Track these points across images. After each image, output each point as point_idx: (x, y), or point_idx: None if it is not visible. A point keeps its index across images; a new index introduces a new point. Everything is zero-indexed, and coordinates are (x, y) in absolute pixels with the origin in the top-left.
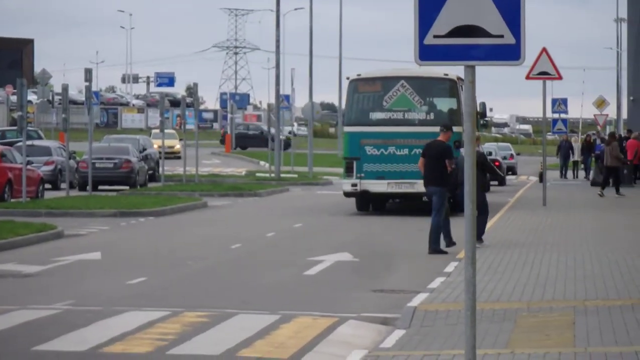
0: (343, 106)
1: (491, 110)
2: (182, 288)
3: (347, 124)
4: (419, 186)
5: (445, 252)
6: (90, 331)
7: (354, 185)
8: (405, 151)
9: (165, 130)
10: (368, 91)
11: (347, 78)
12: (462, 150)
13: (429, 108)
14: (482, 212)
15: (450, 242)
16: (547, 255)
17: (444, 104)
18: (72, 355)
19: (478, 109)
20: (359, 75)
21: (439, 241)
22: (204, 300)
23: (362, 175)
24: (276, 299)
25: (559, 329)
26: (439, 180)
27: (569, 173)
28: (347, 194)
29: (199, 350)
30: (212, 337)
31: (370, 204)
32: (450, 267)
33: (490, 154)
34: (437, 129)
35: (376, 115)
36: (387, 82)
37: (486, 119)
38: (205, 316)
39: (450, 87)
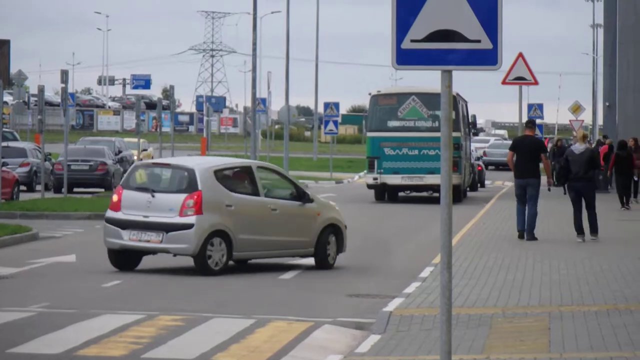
0: (320, 110)
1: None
2: (157, 291)
3: (370, 130)
4: (426, 179)
5: (536, 239)
6: (65, 334)
7: (375, 178)
8: (416, 152)
9: (133, 139)
10: (386, 104)
11: (370, 94)
12: (574, 145)
13: (433, 118)
14: (591, 206)
15: (532, 237)
16: (522, 260)
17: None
18: (47, 358)
19: (470, 120)
20: (378, 91)
21: (533, 229)
22: (178, 304)
23: (382, 171)
24: (251, 303)
25: (534, 334)
26: (535, 172)
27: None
28: (370, 186)
29: (174, 354)
30: (187, 340)
31: (386, 194)
32: (425, 272)
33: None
34: (434, 134)
35: (392, 124)
36: (401, 97)
37: (477, 128)
38: (180, 320)
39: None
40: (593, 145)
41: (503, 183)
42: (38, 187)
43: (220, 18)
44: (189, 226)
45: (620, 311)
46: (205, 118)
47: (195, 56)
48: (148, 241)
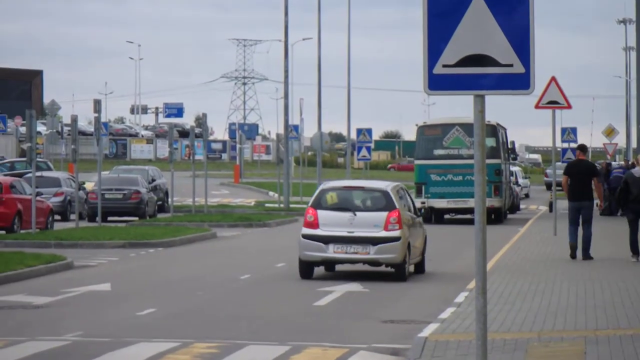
0: (352, 136)
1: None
2: (191, 319)
3: (417, 158)
4: (469, 203)
5: (592, 258)
6: None
7: (423, 202)
8: (460, 178)
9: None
10: (431, 134)
11: (416, 125)
12: (635, 169)
13: None
14: None
15: (588, 256)
16: (557, 284)
17: (487, 143)
18: None
19: (509, 147)
20: (425, 122)
21: (589, 249)
22: (213, 331)
23: (429, 195)
24: (286, 330)
25: (570, 358)
26: (589, 194)
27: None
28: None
29: None
30: None
31: (433, 217)
32: (460, 297)
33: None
34: None
35: (438, 152)
36: (446, 127)
37: (515, 154)
38: (215, 347)
39: (492, 130)
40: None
41: (537, 207)
42: (72, 217)
43: (252, 46)
44: (396, 239)
45: None
46: (237, 145)
47: (227, 84)
48: (355, 253)
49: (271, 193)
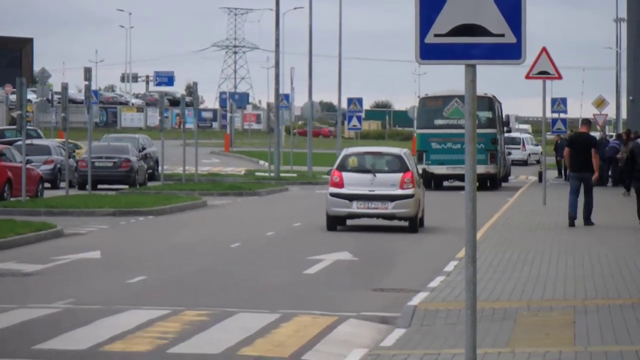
0: (343, 105)
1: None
2: (182, 287)
3: (419, 128)
4: None
5: (593, 224)
6: (91, 330)
7: (424, 168)
8: (458, 146)
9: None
10: (433, 105)
11: (419, 96)
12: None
13: None
14: None
15: (590, 222)
16: (546, 254)
17: (484, 114)
18: (72, 353)
19: (503, 119)
20: (426, 94)
21: (590, 216)
22: (203, 299)
23: (429, 162)
24: (276, 298)
25: (559, 328)
26: (590, 165)
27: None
28: (419, 176)
29: (199, 349)
30: (212, 335)
31: (432, 183)
32: (450, 266)
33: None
34: (477, 131)
35: (438, 122)
36: (446, 99)
37: (509, 126)
38: (205, 315)
39: (489, 102)
40: (613, 139)
41: (527, 177)
42: (62, 184)
43: (243, 14)
44: (410, 196)
45: None
46: (228, 114)
47: (218, 53)
48: (376, 208)
49: (261, 162)
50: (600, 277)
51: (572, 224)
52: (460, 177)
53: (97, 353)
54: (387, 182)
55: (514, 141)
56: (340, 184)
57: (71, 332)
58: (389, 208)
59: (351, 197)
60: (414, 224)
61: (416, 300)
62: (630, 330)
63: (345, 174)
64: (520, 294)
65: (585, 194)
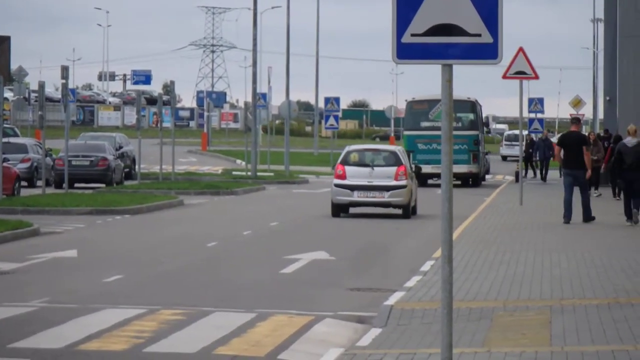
0: (320, 105)
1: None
2: (158, 286)
3: (406, 129)
4: (453, 169)
5: (594, 218)
6: (67, 328)
7: (411, 168)
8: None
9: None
10: (419, 108)
11: (406, 100)
12: (627, 139)
13: (457, 119)
14: (638, 194)
15: (590, 218)
16: (523, 254)
17: (467, 117)
18: (48, 352)
19: (484, 121)
20: (413, 98)
21: (590, 211)
22: (180, 298)
23: (416, 162)
24: (252, 297)
25: (535, 328)
26: (582, 163)
27: (532, 173)
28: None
29: (175, 348)
30: (188, 334)
31: (418, 181)
32: (426, 266)
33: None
34: (461, 132)
35: (424, 124)
36: (431, 102)
37: (489, 128)
38: (181, 314)
39: (471, 106)
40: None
41: (503, 177)
42: (39, 183)
43: (221, 13)
44: (403, 187)
45: (621, 305)
46: (205, 113)
47: (196, 52)
48: (374, 197)
49: (239, 161)
50: (577, 277)
51: (567, 221)
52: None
53: (73, 352)
54: (384, 175)
55: (517, 138)
56: (343, 176)
57: (47, 330)
58: (385, 197)
59: (352, 188)
60: (407, 211)
61: (392, 299)
62: (606, 330)
63: (347, 168)
64: (496, 293)
65: (581, 191)
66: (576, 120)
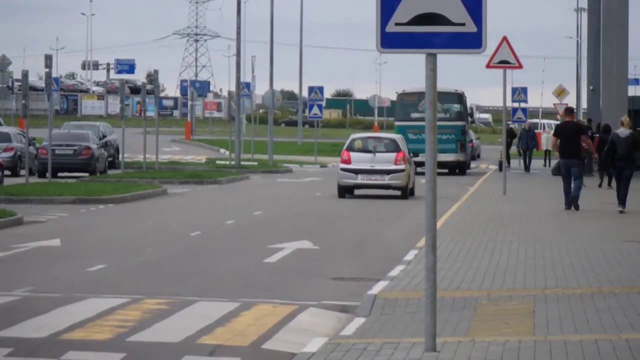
0: (304, 94)
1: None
2: (141, 275)
3: (397, 120)
4: (439, 157)
5: (579, 209)
6: (50, 318)
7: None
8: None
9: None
10: (409, 100)
11: (397, 92)
12: (620, 130)
13: (445, 111)
14: (628, 182)
15: (577, 207)
16: (507, 244)
17: (455, 108)
18: (31, 341)
19: (468, 111)
20: (404, 90)
21: (578, 198)
22: (163, 288)
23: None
24: (236, 287)
25: (519, 317)
26: (578, 153)
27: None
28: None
29: (159, 337)
30: (172, 324)
31: None
32: (410, 256)
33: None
34: (449, 123)
35: (414, 115)
36: (421, 94)
37: (473, 118)
38: (165, 303)
39: (459, 97)
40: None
41: (487, 166)
42: (22, 172)
43: (204, 2)
44: (402, 170)
45: (604, 294)
46: (189, 102)
47: (180, 41)
48: (376, 180)
49: (222, 150)
50: (560, 267)
51: (568, 207)
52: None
53: (57, 341)
54: (384, 160)
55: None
56: (348, 161)
57: (30, 320)
58: (386, 180)
59: (357, 171)
60: (405, 192)
61: (376, 289)
62: (589, 319)
63: (352, 154)
64: (480, 283)
65: (574, 179)
66: (570, 110)
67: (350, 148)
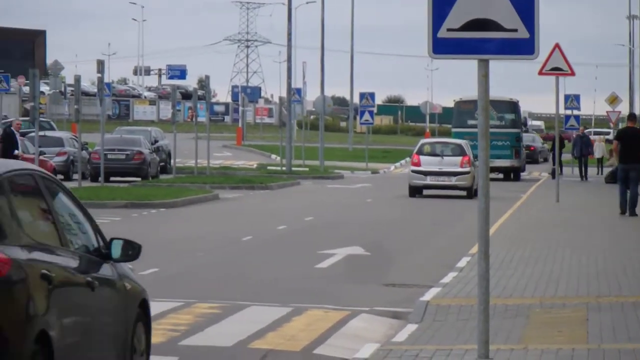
0: (355, 100)
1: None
2: (194, 279)
3: (454, 127)
4: (494, 163)
5: (637, 215)
6: None
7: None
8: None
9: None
10: (466, 108)
11: (454, 100)
12: None
13: (501, 118)
14: None
15: (633, 213)
16: (559, 251)
17: (510, 116)
18: None
19: (522, 120)
20: (461, 98)
21: (635, 207)
22: (215, 292)
23: None
24: (287, 292)
25: (571, 325)
26: (637, 158)
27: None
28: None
29: (211, 342)
30: (224, 328)
31: None
32: (462, 262)
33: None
34: (504, 130)
35: (471, 122)
36: (477, 102)
37: (527, 126)
38: (217, 307)
39: (514, 106)
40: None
41: (540, 174)
42: (75, 176)
43: (255, 9)
44: (467, 172)
45: None
46: (240, 108)
47: (231, 47)
48: (443, 181)
49: (273, 156)
50: (613, 275)
51: (623, 212)
52: (493, 170)
53: None
54: (451, 163)
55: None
56: (418, 164)
57: None
58: (452, 181)
59: (426, 173)
60: (470, 193)
61: (428, 295)
62: None
63: (422, 157)
64: (532, 290)
65: (631, 185)
66: (632, 116)
67: (420, 152)
